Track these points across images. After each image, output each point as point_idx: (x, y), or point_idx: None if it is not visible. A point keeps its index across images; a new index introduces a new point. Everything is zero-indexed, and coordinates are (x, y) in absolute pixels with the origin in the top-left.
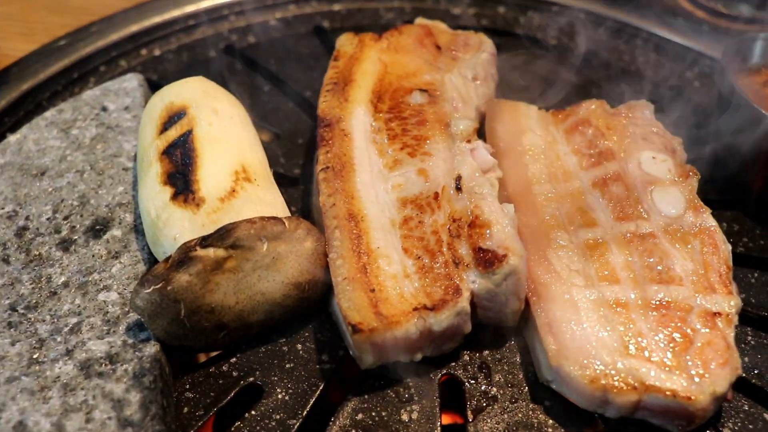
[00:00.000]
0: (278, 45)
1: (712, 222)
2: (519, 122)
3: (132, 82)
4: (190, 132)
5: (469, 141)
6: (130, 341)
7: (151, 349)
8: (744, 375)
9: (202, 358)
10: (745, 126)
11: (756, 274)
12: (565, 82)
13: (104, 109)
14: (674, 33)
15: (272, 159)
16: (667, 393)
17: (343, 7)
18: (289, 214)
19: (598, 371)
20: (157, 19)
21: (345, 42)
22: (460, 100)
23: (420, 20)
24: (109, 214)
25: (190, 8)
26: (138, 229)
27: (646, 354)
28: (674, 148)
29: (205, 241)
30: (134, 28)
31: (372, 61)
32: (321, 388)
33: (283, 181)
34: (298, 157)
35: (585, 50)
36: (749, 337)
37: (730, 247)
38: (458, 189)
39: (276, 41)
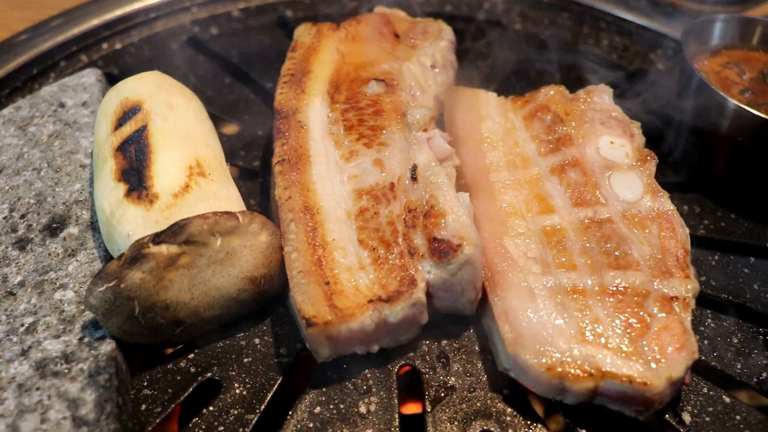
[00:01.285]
0: (241, 36)
1: (669, 206)
2: (478, 110)
3: (90, 77)
4: (144, 127)
5: (425, 130)
6: (86, 340)
7: (107, 347)
8: (703, 358)
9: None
10: (706, 109)
11: (716, 257)
12: (529, 67)
13: (62, 105)
14: (638, 15)
15: (232, 152)
16: (623, 379)
17: None
18: (245, 209)
19: (554, 359)
20: (119, 12)
21: (303, 32)
22: (418, 88)
23: (379, 9)
24: (66, 212)
25: (151, 0)
26: (95, 226)
27: (603, 340)
28: (633, 132)
29: (157, 238)
30: (95, 21)
31: (330, 51)
32: (279, 382)
33: (242, 174)
34: (258, 150)
35: (549, 34)
36: (709, 320)
37: (688, 231)
38: (414, 179)
39: (239, 32)
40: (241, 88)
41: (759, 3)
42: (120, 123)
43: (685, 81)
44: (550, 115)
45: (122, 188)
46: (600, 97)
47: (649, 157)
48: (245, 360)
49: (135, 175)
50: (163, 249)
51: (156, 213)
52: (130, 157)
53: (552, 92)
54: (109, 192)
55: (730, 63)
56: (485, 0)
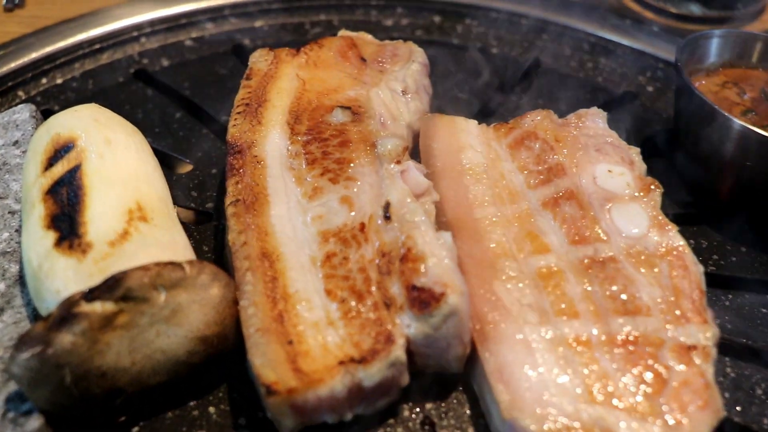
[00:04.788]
0: (194, 67)
1: (679, 241)
2: (457, 138)
3: (23, 113)
4: (78, 167)
5: (398, 162)
6: (10, 415)
7: (35, 423)
8: (725, 413)
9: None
10: (708, 131)
11: (730, 296)
12: (508, 93)
13: None
14: (622, 35)
15: (183, 192)
16: None
17: (264, 23)
18: (193, 257)
19: (559, 424)
20: (60, 44)
21: (258, 58)
22: (388, 116)
23: (343, 32)
24: None
25: (95, 31)
26: (24, 281)
27: (615, 400)
28: (632, 159)
29: (91, 294)
30: (34, 54)
31: (289, 78)
32: None
33: (194, 218)
34: (212, 190)
35: (528, 58)
36: (728, 369)
37: (702, 269)
38: (387, 218)
39: (192, 63)
40: (194, 122)
41: (750, 21)
42: (51, 162)
43: (684, 102)
44: (538, 142)
45: (52, 237)
46: (593, 121)
47: (653, 186)
48: None
49: (66, 221)
50: (98, 307)
51: (89, 264)
52: (62, 201)
53: (539, 117)
54: (37, 241)
55: (728, 82)
56: (458, 23)
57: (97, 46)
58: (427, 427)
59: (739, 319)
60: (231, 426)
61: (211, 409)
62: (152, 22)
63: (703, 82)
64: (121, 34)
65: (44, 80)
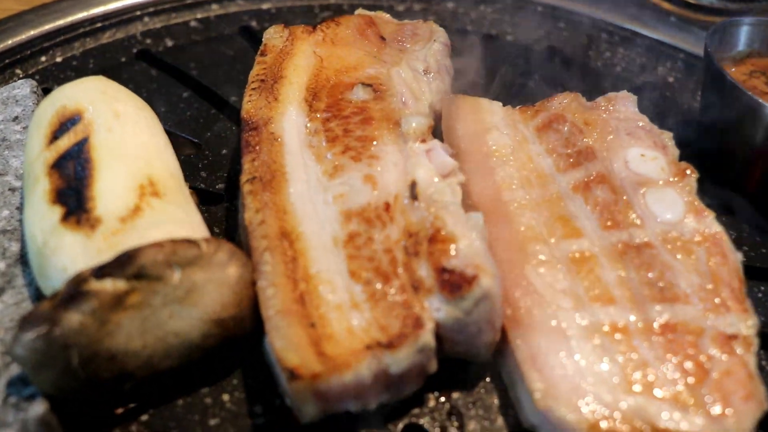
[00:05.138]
0: (200, 48)
1: (717, 227)
2: (482, 120)
3: (23, 88)
4: (85, 140)
5: (423, 141)
6: (13, 400)
7: (38, 408)
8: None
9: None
10: (738, 117)
11: (763, 288)
12: (525, 81)
13: None
14: (641, 26)
15: (192, 173)
16: None
17: (272, 5)
18: (208, 235)
19: (597, 414)
20: (60, 22)
21: (273, 35)
22: (410, 95)
23: (361, 11)
24: None
25: (97, 9)
26: (25, 260)
27: (655, 390)
28: (664, 143)
29: (101, 271)
30: (32, 32)
31: (305, 55)
32: None
33: (204, 197)
34: (222, 170)
35: (545, 46)
36: (763, 362)
37: (740, 257)
38: (414, 197)
39: (197, 44)
40: (201, 102)
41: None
42: (56, 135)
43: (714, 89)
44: (566, 125)
45: (58, 212)
46: (623, 104)
47: (688, 171)
48: (212, 422)
49: (73, 195)
50: (108, 285)
51: (99, 240)
52: (68, 175)
53: (566, 100)
54: (42, 217)
55: (756, 72)
56: (473, 9)
57: (99, 25)
58: (454, 417)
59: None
60: (246, 414)
61: (225, 397)
62: (156, 2)
63: (733, 69)
64: (124, 13)
65: (43, 58)
